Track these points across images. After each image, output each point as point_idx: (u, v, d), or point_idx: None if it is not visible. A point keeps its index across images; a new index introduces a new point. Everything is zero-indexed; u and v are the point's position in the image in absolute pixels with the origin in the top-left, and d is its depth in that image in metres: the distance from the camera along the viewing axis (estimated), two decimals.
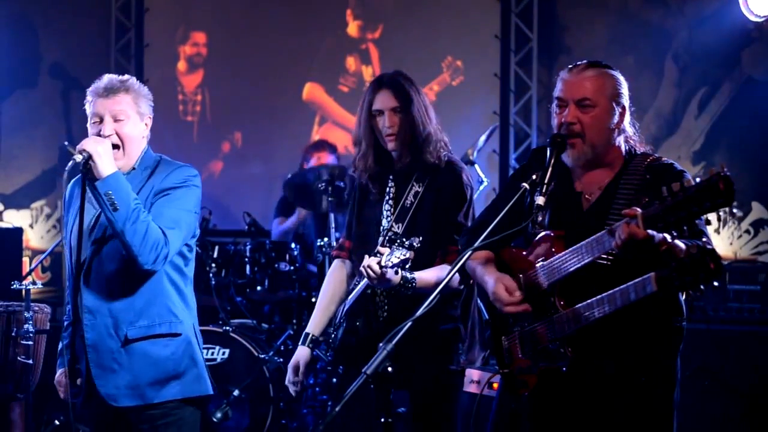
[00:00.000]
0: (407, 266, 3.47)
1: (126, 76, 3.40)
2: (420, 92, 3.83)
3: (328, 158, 6.60)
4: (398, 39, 7.66)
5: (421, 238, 3.41)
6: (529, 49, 7.33)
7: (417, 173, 3.79)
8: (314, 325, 3.97)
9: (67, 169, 3.23)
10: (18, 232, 7.17)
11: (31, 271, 6.18)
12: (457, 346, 3.81)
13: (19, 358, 4.47)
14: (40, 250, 7.87)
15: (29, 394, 4.52)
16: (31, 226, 8.01)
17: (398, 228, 3.74)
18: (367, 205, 3.93)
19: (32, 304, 4.53)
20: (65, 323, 3.49)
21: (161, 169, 3.38)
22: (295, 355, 3.95)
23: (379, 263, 3.42)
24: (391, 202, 3.84)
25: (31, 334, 4.44)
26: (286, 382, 3.97)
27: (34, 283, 4.56)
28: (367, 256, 3.53)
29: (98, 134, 3.28)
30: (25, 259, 7.52)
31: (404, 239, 3.40)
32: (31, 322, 4.45)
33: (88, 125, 3.36)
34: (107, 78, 3.38)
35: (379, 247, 3.51)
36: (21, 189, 7.99)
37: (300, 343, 3.96)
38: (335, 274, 4.03)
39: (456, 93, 7.53)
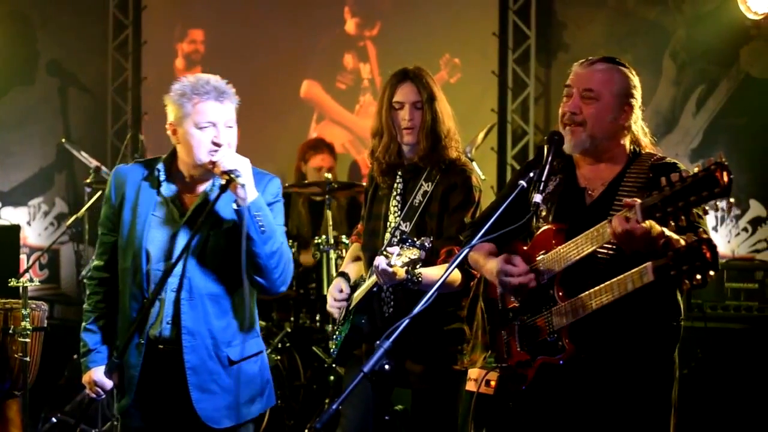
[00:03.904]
0: (418, 266, 3.45)
1: (219, 78, 3.20)
2: (439, 88, 3.83)
3: (327, 160, 6.59)
4: (396, 36, 7.64)
5: (432, 239, 3.39)
6: (527, 47, 7.31)
7: (427, 171, 3.78)
8: (346, 268, 4.06)
9: (218, 186, 3.06)
10: (15, 229, 7.16)
11: (28, 268, 6.20)
12: (461, 347, 3.81)
13: (15, 356, 4.47)
14: (38, 248, 7.86)
15: (26, 391, 4.51)
16: (28, 223, 7.99)
17: (406, 227, 3.73)
18: (377, 200, 3.93)
19: (29, 301, 4.53)
20: (91, 317, 3.33)
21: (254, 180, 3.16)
22: (332, 284, 3.98)
23: (388, 263, 3.41)
24: (398, 198, 3.84)
25: (28, 332, 4.44)
26: (330, 307, 3.96)
27: (31, 280, 4.57)
28: (378, 257, 3.53)
29: (214, 142, 3.12)
30: (23, 257, 7.50)
31: (415, 239, 3.37)
32: (28, 320, 4.45)
33: (186, 126, 3.13)
34: (213, 79, 3.17)
35: (387, 248, 3.51)
36: (18, 186, 7.97)
37: (336, 276, 4.04)
38: (353, 249, 4.13)
39: (454, 90, 7.46)
